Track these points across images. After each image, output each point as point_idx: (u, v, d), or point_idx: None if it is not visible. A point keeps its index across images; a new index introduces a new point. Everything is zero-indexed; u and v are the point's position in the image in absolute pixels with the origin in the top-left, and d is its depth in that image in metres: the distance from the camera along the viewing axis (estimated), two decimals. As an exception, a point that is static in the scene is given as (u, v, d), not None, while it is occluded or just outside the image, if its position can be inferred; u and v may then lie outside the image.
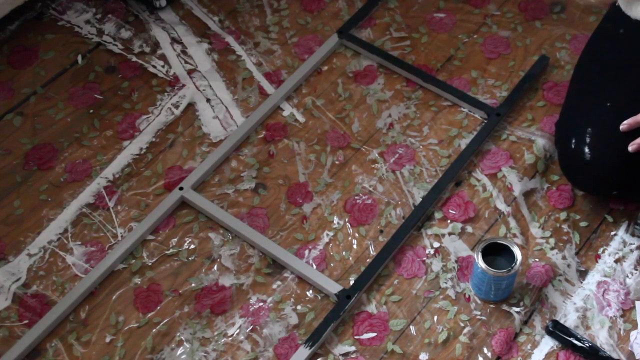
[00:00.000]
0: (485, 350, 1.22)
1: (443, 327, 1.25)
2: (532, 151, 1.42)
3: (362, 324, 1.25)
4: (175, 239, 1.34)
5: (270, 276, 1.30)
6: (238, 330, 1.25)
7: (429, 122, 1.47)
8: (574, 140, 1.28)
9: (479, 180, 1.39)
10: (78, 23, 1.63)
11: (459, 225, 1.34)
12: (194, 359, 1.22)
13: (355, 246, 1.33)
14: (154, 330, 1.25)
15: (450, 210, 1.36)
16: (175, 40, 1.60)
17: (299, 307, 1.27)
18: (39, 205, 1.38)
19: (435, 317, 1.26)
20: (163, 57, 1.58)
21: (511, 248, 1.21)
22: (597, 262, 1.30)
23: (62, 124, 1.49)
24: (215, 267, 1.31)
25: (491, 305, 1.26)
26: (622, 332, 1.23)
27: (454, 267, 1.30)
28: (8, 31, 1.62)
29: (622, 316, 1.24)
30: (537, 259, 1.30)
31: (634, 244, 1.31)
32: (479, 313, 1.26)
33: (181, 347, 1.24)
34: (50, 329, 1.25)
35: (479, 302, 1.27)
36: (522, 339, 1.23)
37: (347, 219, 1.36)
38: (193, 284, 1.30)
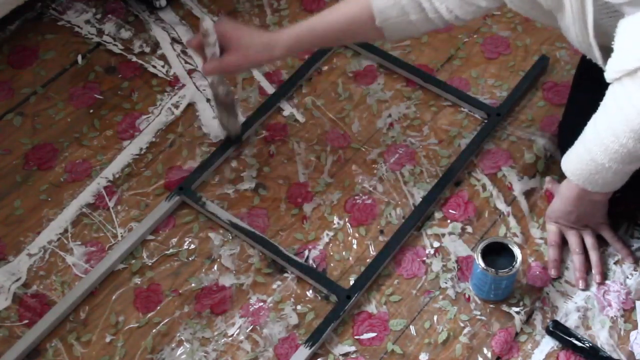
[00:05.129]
0: (485, 350, 1.22)
1: (443, 327, 1.25)
2: (532, 151, 1.42)
3: (362, 324, 1.25)
4: (175, 239, 1.34)
5: (270, 276, 1.30)
6: (238, 330, 1.25)
7: (429, 122, 1.47)
8: None
9: (479, 180, 1.39)
10: (78, 23, 1.63)
11: (459, 225, 1.34)
12: (194, 359, 1.22)
13: (355, 246, 1.33)
14: (154, 330, 1.25)
15: (450, 210, 1.36)
16: (175, 40, 1.60)
17: (299, 307, 1.27)
18: (39, 205, 1.38)
19: (435, 317, 1.26)
20: (163, 57, 1.58)
21: (511, 248, 1.21)
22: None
23: (62, 124, 1.49)
24: (215, 267, 1.31)
25: (491, 305, 1.26)
26: (622, 332, 1.23)
27: (454, 267, 1.30)
28: (8, 31, 1.62)
29: (622, 316, 1.24)
30: (536, 259, 1.31)
31: (633, 245, 1.31)
32: (479, 313, 1.26)
33: (181, 347, 1.24)
34: (50, 329, 1.25)
35: (479, 302, 1.27)
36: (522, 338, 1.23)
37: (347, 219, 1.36)
38: (193, 284, 1.30)
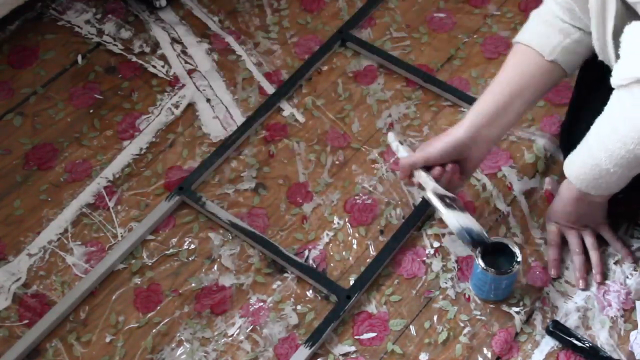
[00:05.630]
0: (485, 350, 1.22)
1: (443, 327, 1.25)
2: (532, 151, 1.42)
3: (362, 324, 1.25)
4: (175, 239, 1.34)
5: (270, 276, 1.30)
6: (238, 330, 1.25)
7: (429, 122, 1.47)
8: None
9: (479, 180, 1.39)
10: (78, 23, 1.63)
11: (459, 225, 1.34)
12: (194, 359, 1.22)
13: (355, 246, 1.33)
14: (154, 330, 1.25)
15: (450, 210, 1.36)
16: (175, 40, 1.60)
17: (299, 307, 1.27)
18: (39, 205, 1.38)
19: (435, 317, 1.26)
20: (163, 57, 1.58)
21: (511, 248, 1.21)
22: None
23: (62, 124, 1.49)
24: (215, 267, 1.31)
25: (491, 305, 1.26)
26: (622, 332, 1.23)
27: (454, 267, 1.30)
28: (8, 31, 1.62)
29: (622, 316, 1.24)
30: (536, 259, 1.31)
31: (633, 245, 1.31)
32: (479, 313, 1.26)
33: (181, 347, 1.24)
34: (50, 329, 1.25)
35: (479, 302, 1.27)
36: (522, 338, 1.23)
37: (347, 219, 1.36)
38: (193, 284, 1.30)
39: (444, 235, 1.33)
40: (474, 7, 1.63)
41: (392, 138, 1.28)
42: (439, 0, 1.64)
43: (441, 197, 1.20)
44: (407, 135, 1.45)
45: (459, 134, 1.20)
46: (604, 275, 1.28)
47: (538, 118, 1.46)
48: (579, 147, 1.17)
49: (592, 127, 1.12)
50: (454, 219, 1.19)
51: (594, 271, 1.28)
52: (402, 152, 1.26)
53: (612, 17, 1.06)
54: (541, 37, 1.19)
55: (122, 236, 1.34)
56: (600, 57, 1.16)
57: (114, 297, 1.29)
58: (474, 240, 1.19)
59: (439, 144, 1.21)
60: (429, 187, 1.21)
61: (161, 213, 1.35)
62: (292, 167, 1.42)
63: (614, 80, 1.05)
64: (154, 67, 1.56)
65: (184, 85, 1.53)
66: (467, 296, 1.27)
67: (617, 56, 1.08)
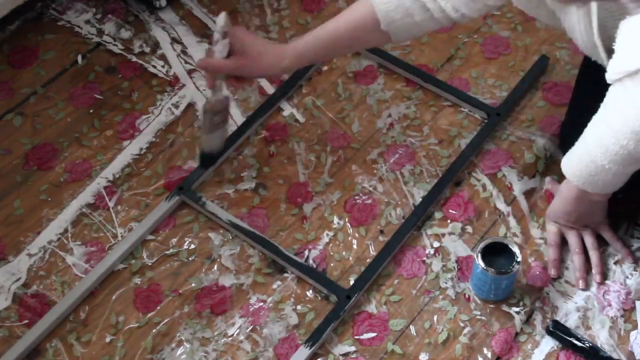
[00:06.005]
0: (485, 350, 1.22)
1: (443, 327, 1.25)
2: (532, 151, 1.42)
3: (362, 324, 1.25)
4: (175, 239, 1.34)
5: (270, 276, 1.30)
6: (238, 330, 1.25)
7: (429, 122, 1.47)
8: None
9: (479, 180, 1.39)
10: (78, 23, 1.63)
11: (459, 225, 1.34)
12: (194, 359, 1.22)
13: (355, 246, 1.33)
14: (154, 330, 1.25)
15: (450, 210, 1.36)
16: (175, 40, 1.60)
17: (299, 307, 1.27)
18: (39, 205, 1.38)
19: (435, 317, 1.26)
20: (163, 57, 1.58)
21: (511, 248, 1.21)
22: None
23: (62, 124, 1.49)
24: (215, 267, 1.31)
25: (491, 305, 1.26)
26: (622, 332, 1.23)
27: (454, 267, 1.30)
28: (8, 31, 1.62)
29: (622, 316, 1.24)
30: (536, 259, 1.31)
31: (633, 245, 1.31)
32: (479, 313, 1.26)
33: (181, 347, 1.24)
34: (50, 329, 1.25)
35: (479, 302, 1.27)
36: (522, 338, 1.23)
37: (347, 219, 1.36)
38: (193, 284, 1.30)
39: (444, 235, 1.33)
40: (474, 7, 1.63)
41: (222, 21, 1.19)
42: (439, 0, 1.64)
43: (213, 115, 1.25)
44: (407, 135, 1.45)
45: (275, 71, 1.27)
46: (604, 275, 1.28)
47: (538, 118, 1.46)
48: (576, 143, 1.17)
49: (589, 124, 1.13)
50: (207, 143, 1.29)
51: (594, 271, 1.28)
52: (219, 48, 1.21)
53: (595, 18, 1.06)
54: (389, 4, 1.21)
55: (122, 236, 1.34)
56: (593, 59, 1.16)
57: (114, 297, 1.29)
58: (203, 162, 1.33)
59: (256, 73, 1.28)
60: (211, 100, 1.24)
61: (161, 213, 1.35)
62: (292, 167, 1.42)
63: (608, 76, 1.06)
64: (154, 67, 1.56)
65: (184, 85, 1.53)
66: (467, 296, 1.27)
67: (607, 54, 1.08)
